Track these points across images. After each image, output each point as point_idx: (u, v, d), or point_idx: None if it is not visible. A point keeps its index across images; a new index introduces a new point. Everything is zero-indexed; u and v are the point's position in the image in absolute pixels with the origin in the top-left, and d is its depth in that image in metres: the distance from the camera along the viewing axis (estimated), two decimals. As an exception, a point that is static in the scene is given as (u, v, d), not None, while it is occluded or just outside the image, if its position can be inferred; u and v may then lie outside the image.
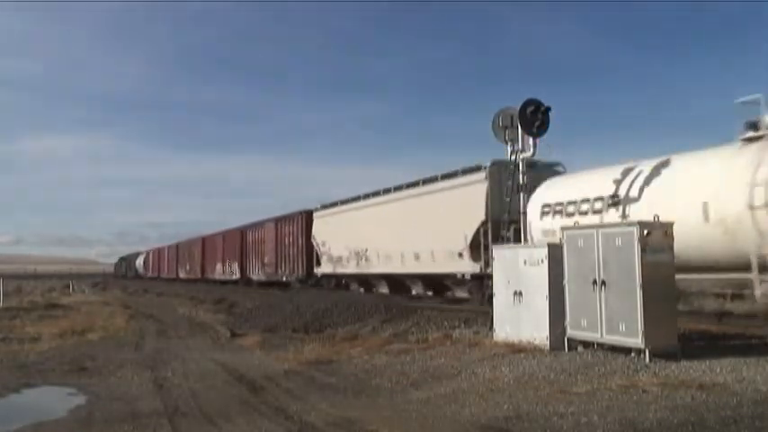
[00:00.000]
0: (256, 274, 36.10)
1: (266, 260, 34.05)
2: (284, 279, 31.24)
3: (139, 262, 79.81)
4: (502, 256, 11.21)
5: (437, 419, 6.66)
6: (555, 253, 9.84)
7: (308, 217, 28.77)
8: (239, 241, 39.28)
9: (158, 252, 69.41)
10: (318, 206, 28.34)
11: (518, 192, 12.53)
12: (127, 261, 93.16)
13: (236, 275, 39.62)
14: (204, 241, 49.35)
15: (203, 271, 48.56)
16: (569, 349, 9.41)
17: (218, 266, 44.37)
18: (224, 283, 41.68)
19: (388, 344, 11.77)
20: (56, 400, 8.81)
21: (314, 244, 27.89)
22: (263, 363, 11.03)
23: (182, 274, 56.43)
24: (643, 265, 8.35)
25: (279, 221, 32.47)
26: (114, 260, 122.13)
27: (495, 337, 10.87)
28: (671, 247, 8.74)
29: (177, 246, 59.35)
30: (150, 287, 48.57)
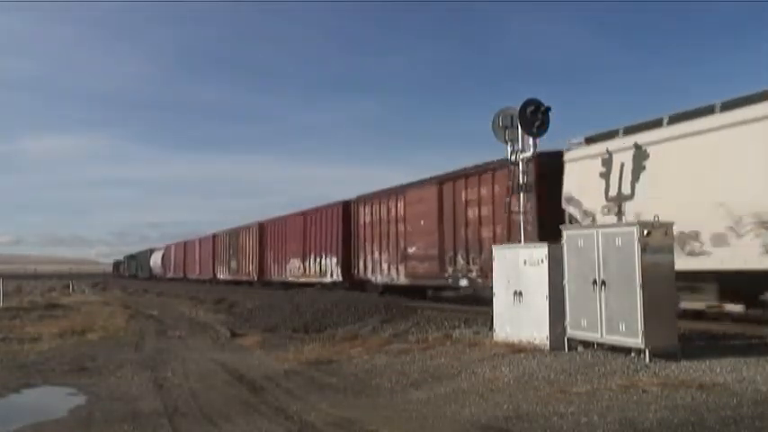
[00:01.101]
0: (385, 275, 21.87)
1: (413, 251, 19.99)
2: (463, 283, 17.55)
3: (155, 260, 66.20)
4: (502, 255, 11.21)
5: (437, 419, 6.66)
6: (555, 253, 9.85)
7: (542, 165, 13.96)
8: (339, 223, 25.15)
9: (183, 247, 55.09)
10: (578, 138, 13.85)
11: (518, 191, 12.51)
12: (137, 259, 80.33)
13: (334, 276, 25.46)
14: (264, 228, 34.96)
15: (262, 270, 34.45)
16: (569, 349, 9.41)
17: (294, 263, 29.66)
18: (305, 286, 25.28)
19: (388, 344, 11.78)
20: (56, 400, 8.81)
21: (570, 214, 13.70)
22: (263, 363, 11.04)
23: (222, 275, 42.38)
24: (643, 265, 8.35)
25: (448, 182, 18.23)
26: (114, 260, 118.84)
27: (495, 337, 10.88)
28: (671, 247, 8.76)
29: (214, 237, 44.97)
30: (156, 289, 48.26)
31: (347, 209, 25.10)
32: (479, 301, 16.93)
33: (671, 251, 8.75)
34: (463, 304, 17.56)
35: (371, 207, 23.28)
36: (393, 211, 21.67)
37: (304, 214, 29.08)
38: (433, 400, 7.50)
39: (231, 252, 40.52)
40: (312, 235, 27.93)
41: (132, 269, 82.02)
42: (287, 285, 29.10)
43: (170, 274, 59.39)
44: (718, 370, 7.59)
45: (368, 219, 23.42)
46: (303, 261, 28.62)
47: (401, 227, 20.97)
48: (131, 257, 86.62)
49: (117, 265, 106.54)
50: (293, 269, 29.96)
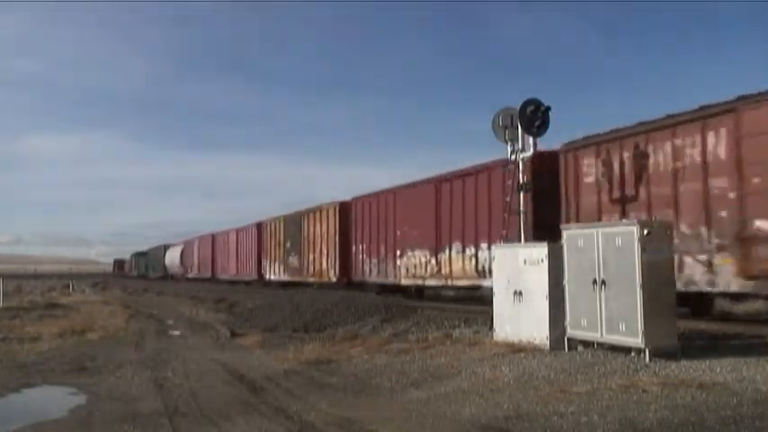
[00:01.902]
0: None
1: None
2: None
3: (172, 257, 58.10)
4: (502, 255, 11.22)
5: (437, 419, 6.66)
6: (555, 252, 9.86)
7: None
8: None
9: (212, 241, 45.94)
10: None
11: (518, 191, 12.55)
12: (147, 257, 72.48)
13: None
14: (348, 210, 25.14)
15: (346, 268, 24.84)
16: (569, 349, 9.41)
17: (416, 258, 20.12)
18: (439, 290, 20.01)
19: (388, 343, 11.78)
20: (56, 399, 8.82)
21: None
22: (263, 362, 11.04)
23: (273, 275, 32.82)
24: (643, 264, 8.36)
25: None
26: (114, 258, 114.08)
27: (495, 337, 10.88)
28: (671, 247, 8.78)
29: (259, 227, 35.41)
30: (157, 288, 48.10)
31: (549, 161, 14.68)
32: None
33: (671, 251, 8.77)
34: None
35: (620, 152, 13.19)
36: (694, 154, 11.67)
37: (440, 181, 18.89)
38: (433, 400, 7.50)
39: (289, 245, 30.40)
40: (457, 212, 17.92)
41: (141, 268, 74.37)
42: (398, 290, 20.76)
43: (192, 274, 50.67)
44: (718, 370, 7.59)
45: (602, 173, 13.59)
46: (435, 254, 18.98)
47: (719, 182, 11.28)
48: (140, 255, 78.56)
49: (120, 264, 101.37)
50: (414, 266, 20.18)
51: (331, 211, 26.37)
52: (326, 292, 22.01)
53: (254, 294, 27.05)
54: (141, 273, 73.51)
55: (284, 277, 31.24)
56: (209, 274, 46.07)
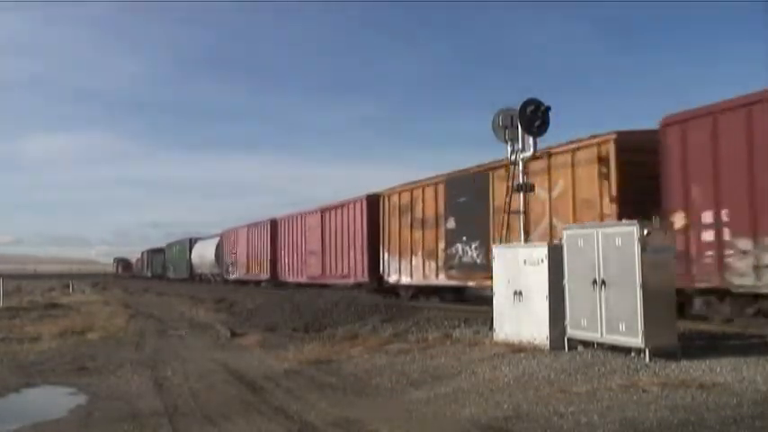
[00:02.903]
0: None
1: None
2: None
3: (203, 254, 46.38)
4: (502, 255, 11.22)
5: (437, 419, 6.67)
6: (555, 253, 9.86)
7: None
8: None
9: (269, 230, 33.39)
10: None
11: (518, 191, 12.55)
12: (166, 254, 59.72)
13: None
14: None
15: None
16: (569, 349, 9.42)
17: None
18: None
19: (388, 343, 11.77)
20: (56, 399, 8.83)
21: None
22: (263, 362, 11.04)
23: (409, 276, 20.12)
24: (643, 264, 8.36)
25: None
26: (115, 258, 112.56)
27: (495, 337, 10.88)
28: (671, 247, 8.78)
29: (372, 202, 22.41)
30: (158, 288, 48.00)
31: None
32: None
33: (671, 251, 8.78)
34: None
35: None
36: None
37: None
38: (433, 400, 7.50)
39: (453, 225, 17.96)
40: None
41: (157, 268, 62.49)
42: None
43: (235, 275, 39.24)
44: (719, 370, 7.59)
45: None
46: None
47: None
48: (156, 252, 66.34)
49: (125, 264, 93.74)
50: None
51: (584, 155, 13.68)
52: (326, 292, 21.87)
53: (254, 294, 27.03)
54: (156, 273, 61.54)
55: (439, 279, 18.75)
56: (266, 276, 33.54)
